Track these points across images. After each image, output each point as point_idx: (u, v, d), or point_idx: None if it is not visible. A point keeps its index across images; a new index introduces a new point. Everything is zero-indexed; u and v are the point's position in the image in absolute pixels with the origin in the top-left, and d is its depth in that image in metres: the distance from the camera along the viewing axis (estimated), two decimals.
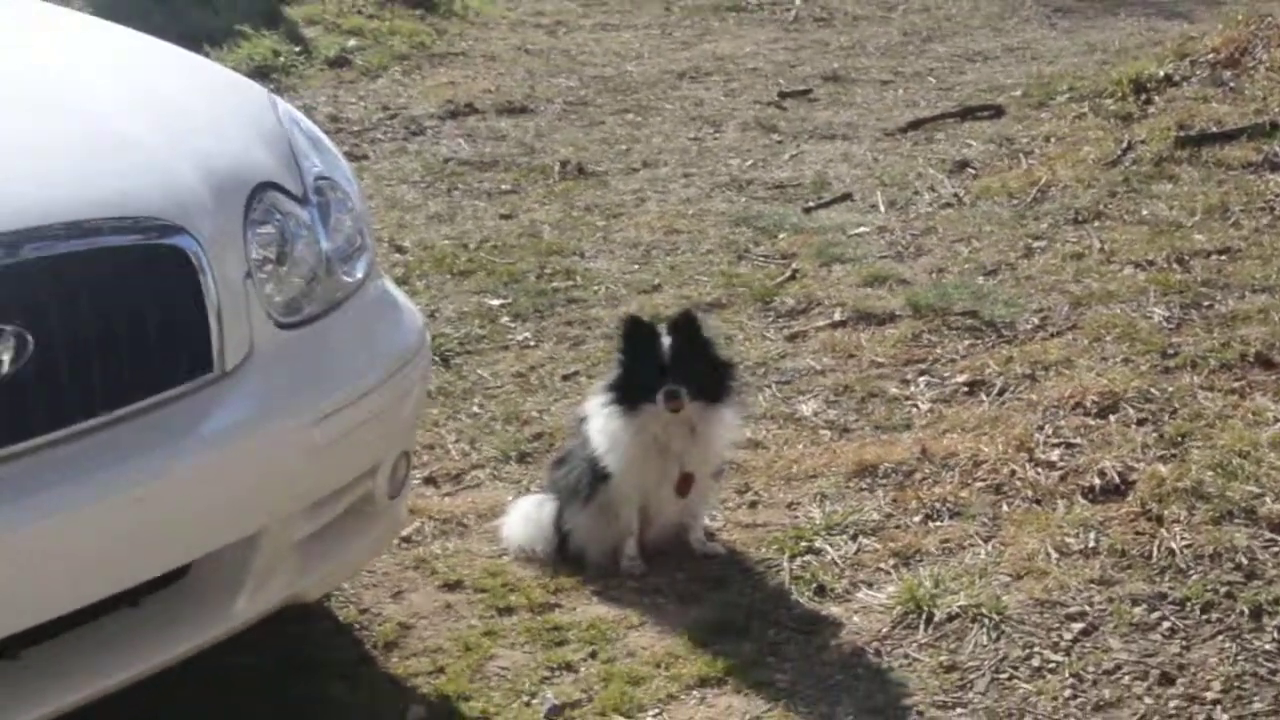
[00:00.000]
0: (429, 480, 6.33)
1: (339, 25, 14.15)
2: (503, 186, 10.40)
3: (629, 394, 5.45)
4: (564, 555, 5.69)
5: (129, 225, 3.92)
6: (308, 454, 4.13)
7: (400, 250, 9.02)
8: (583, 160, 10.88)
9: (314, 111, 11.30)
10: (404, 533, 5.70)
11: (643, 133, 11.70)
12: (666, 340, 5.44)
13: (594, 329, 7.85)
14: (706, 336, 5.59)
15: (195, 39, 6.21)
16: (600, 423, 5.54)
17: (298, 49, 13.42)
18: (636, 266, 8.76)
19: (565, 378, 7.30)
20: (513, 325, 7.96)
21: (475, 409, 7.00)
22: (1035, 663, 4.89)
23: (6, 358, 3.57)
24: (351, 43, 13.72)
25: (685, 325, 5.51)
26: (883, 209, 9.62)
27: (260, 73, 12.11)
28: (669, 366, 5.40)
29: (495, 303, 8.24)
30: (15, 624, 3.63)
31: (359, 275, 4.54)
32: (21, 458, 3.59)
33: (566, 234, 9.35)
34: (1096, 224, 8.98)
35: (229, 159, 4.29)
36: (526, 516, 5.77)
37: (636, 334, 5.52)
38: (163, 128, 4.30)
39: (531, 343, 7.74)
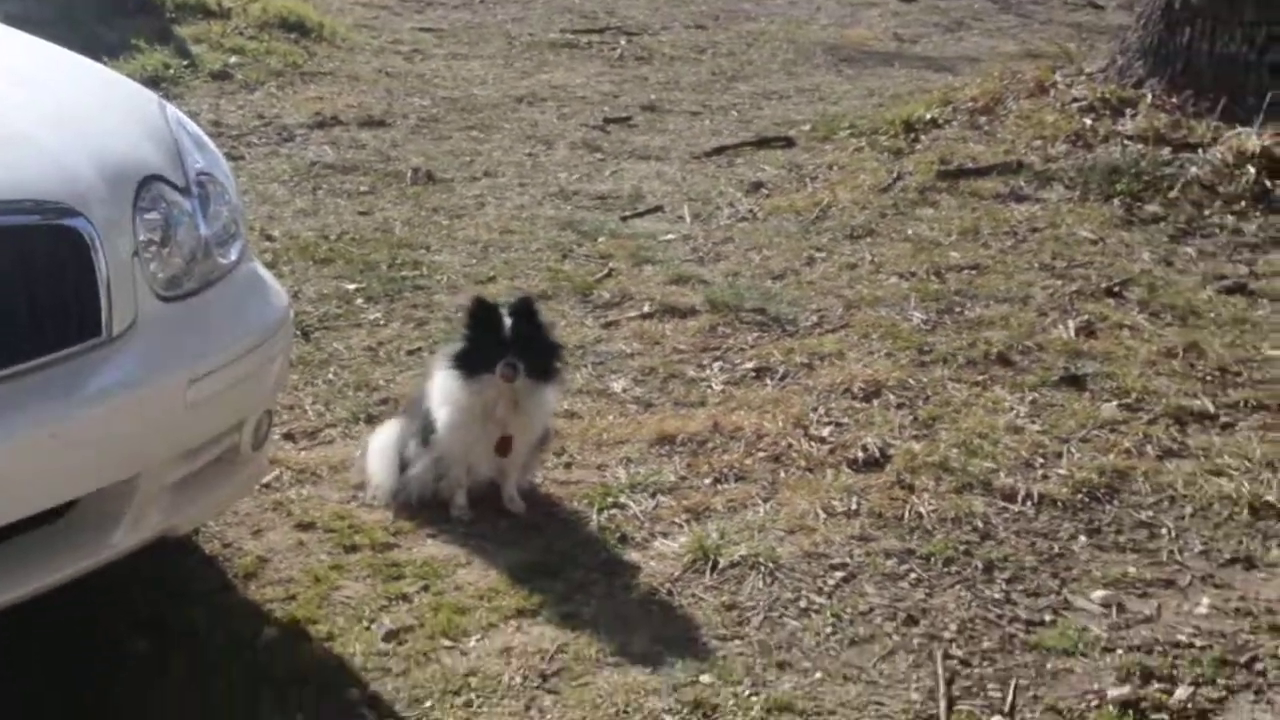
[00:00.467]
0: (288, 436, 6.28)
1: (223, 44, 13.93)
2: (361, 188, 10.30)
3: (470, 364, 5.44)
4: (404, 500, 5.69)
5: (30, 207, 3.90)
6: (182, 409, 4.12)
7: (269, 239, 8.93)
8: (432, 168, 10.80)
9: (198, 117, 11.12)
10: (264, 480, 5.65)
11: (485, 147, 11.64)
12: (508, 320, 5.46)
13: (436, 312, 7.83)
14: (541, 320, 5.61)
15: (95, 51, 6.12)
16: (439, 387, 5.54)
17: (185, 63, 13.20)
18: (475, 260, 8.74)
19: (410, 353, 7.27)
20: (365, 306, 7.91)
21: (330, 376, 6.96)
22: (802, 604, 4.98)
23: None
24: (233, 59, 13.52)
25: (524, 309, 5.53)
26: (688, 220, 9.66)
27: (152, 82, 11.88)
28: (508, 342, 5.41)
29: (351, 287, 8.18)
30: None
31: (233, 258, 4.53)
32: None
33: (415, 230, 9.30)
34: (869, 240, 9.09)
35: (121, 154, 4.26)
36: (380, 460, 5.77)
37: (481, 313, 5.51)
38: (62, 124, 4.27)
39: (381, 322, 7.69)
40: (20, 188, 3.89)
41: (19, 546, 3.92)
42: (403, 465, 5.69)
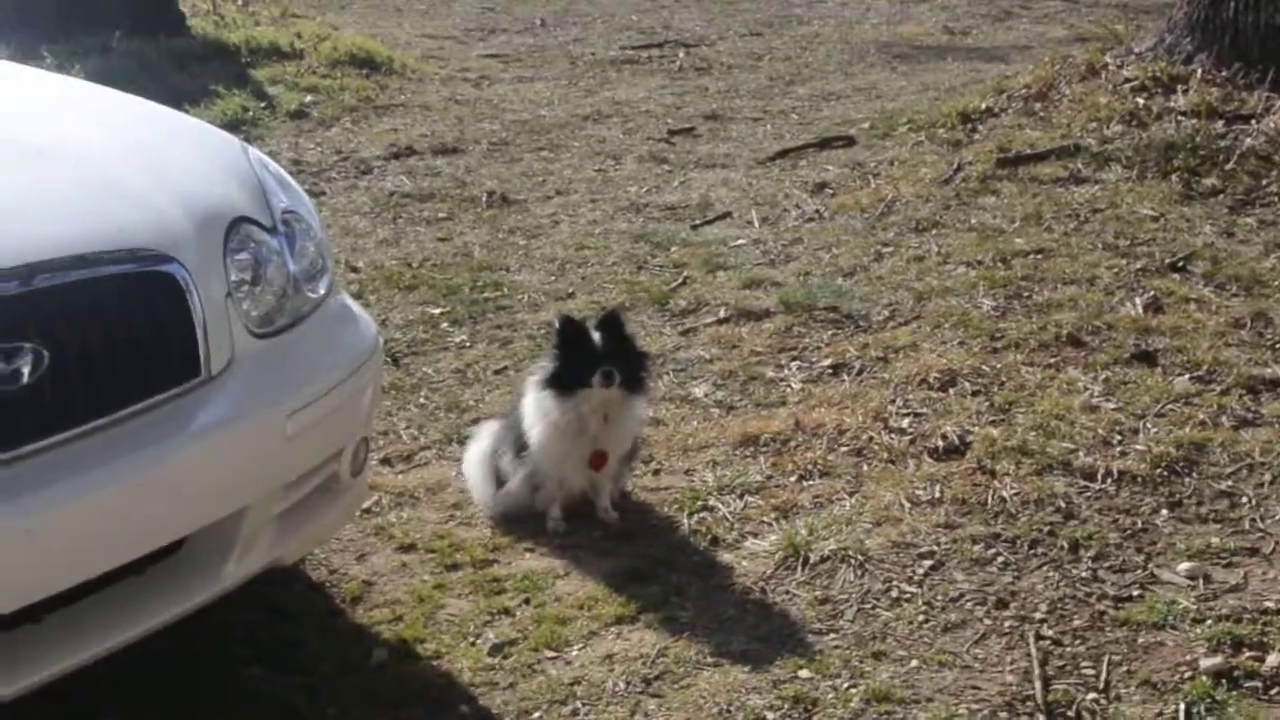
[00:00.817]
0: (385, 461, 6.30)
1: (298, 84, 14.01)
2: (439, 214, 10.33)
3: (564, 381, 5.43)
4: (500, 513, 5.72)
5: (125, 256, 3.91)
6: (283, 442, 4.13)
7: (355, 270, 8.97)
8: (506, 190, 10.82)
9: (278, 156, 11.20)
10: (365, 505, 5.68)
11: (555, 166, 11.65)
12: (597, 334, 5.46)
13: (519, 330, 7.84)
14: (628, 332, 5.61)
15: (176, 98, 6.17)
16: (531, 406, 5.54)
17: (263, 104, 13.28)
18: (553, 278, 8.74)
19: (496, 372, 7.28)
20: (451, 330, 7.93)
21: (422, 400, 6.98)
22: (894, 594, 4.94)
23: (26, 370, 3.57)
24: (309, 98, 13.59)
25: (612, 321, 5.54)
26: (757, 224, 9.63)
27: (231, 125, 11.98)
28: (601, 353, 5.41)
29: (436, 311, 8.20)
30: (38, 593, 3.62)
31: (321, 292, 4.54)
32: (42, 453, 3.58)
33: (494, 252, 9.31)
34: (934, 232, 9.02)
35: (209, 198, 4.27)
36: (480, 476, 5.78)
37: (570, 330, 5.50)
38: (151, 172, 4.29)
39: (467, 344, 7.71)
40: (116, 237, 3.91)
41: (136, 585, 3.94)
42: (499, 480, 5.69)
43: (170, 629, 4.06)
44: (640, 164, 11.57)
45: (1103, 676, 4.39)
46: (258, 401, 4.09)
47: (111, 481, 3.68)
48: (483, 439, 5.88)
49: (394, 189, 10.97)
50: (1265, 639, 4.53)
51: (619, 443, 5.60)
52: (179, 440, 3.86)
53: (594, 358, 5.41)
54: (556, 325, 5.58)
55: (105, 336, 3.77)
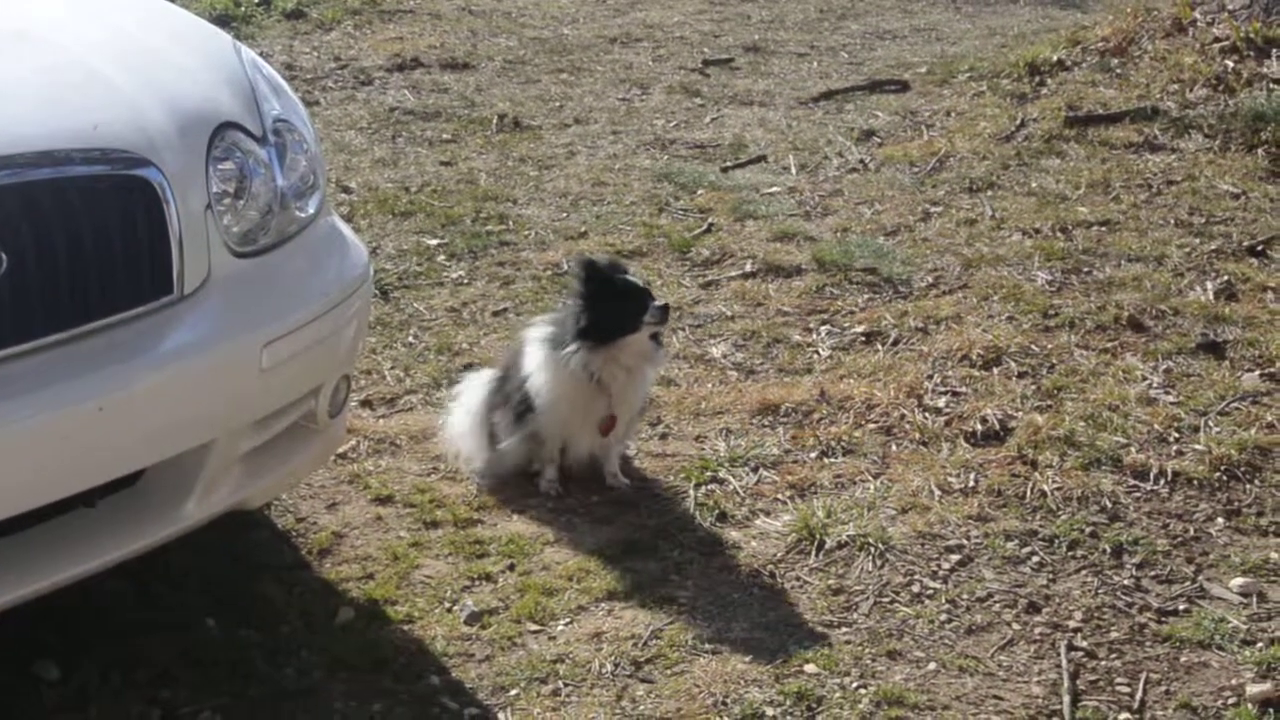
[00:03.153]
0: (365, 403, 6.35)
1: None
2: (443, 136, 10.36)
3: (604, 329, 5.43)
4: (492, 472, 5.74)
5: (98, 156, 3.91)
6: (257, 373, 4.13)
7: (346, 190, 9.00)
8: (519, 115, 10.85)
9: (270, 59, 11.16)
10: (341, 450, 5.71)
11: (575, 92, 11.67)
12: (628, 275, 5.53)
13: (523, 270, 7.87)
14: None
15: None
16: (543, 364, 5.55)
17: (257, 1, 13.31)
18: (565, 214, 8.77)
19: (495, 314, 7.32)
20: (448, 264, 7.96)
21: (410, 339, 7.02)
22: (915, 589, 4.97)
23: None
24: None
25: (621, 267, 5.61)
26: (794, 171, 9.65)
27: (221, 21, 12.02)
28: (646, 291, 5.49)
29: (433, 242, 8.24)
30: None
31: (311, 211, 4.55)
32: None
33: (501, 182, 9.34)
34: (989, 193, 9.04)
35: (194, 99, 4.28)
36: (470, 433, 5.81)
37: (597, 274, 5.49)
38: (132, 67, 4.29)
39: (465, 280, 7.74)
40: (88, 135, 3.91)
41: (86, 519, 3.97)
42: (492, 438, 5.73)
43: (120, 569, 4.10)
44: (669, 95, 11.58)
45: (1138, 696, 4.42)
46: (233, 327, 4.10)
47: (66, 403, 3.70)
48: (473, 392, 5.91)
49: (395, 104, 10.99)
50: None
51: (633, 403, 5.64)
52: (143, 363, 3.87)
53: (640, 295, 5.45)
54: (580, 271, 5.54)
55: (70, 244, 3.77)
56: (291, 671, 4.51)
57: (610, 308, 5.42)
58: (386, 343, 6.94)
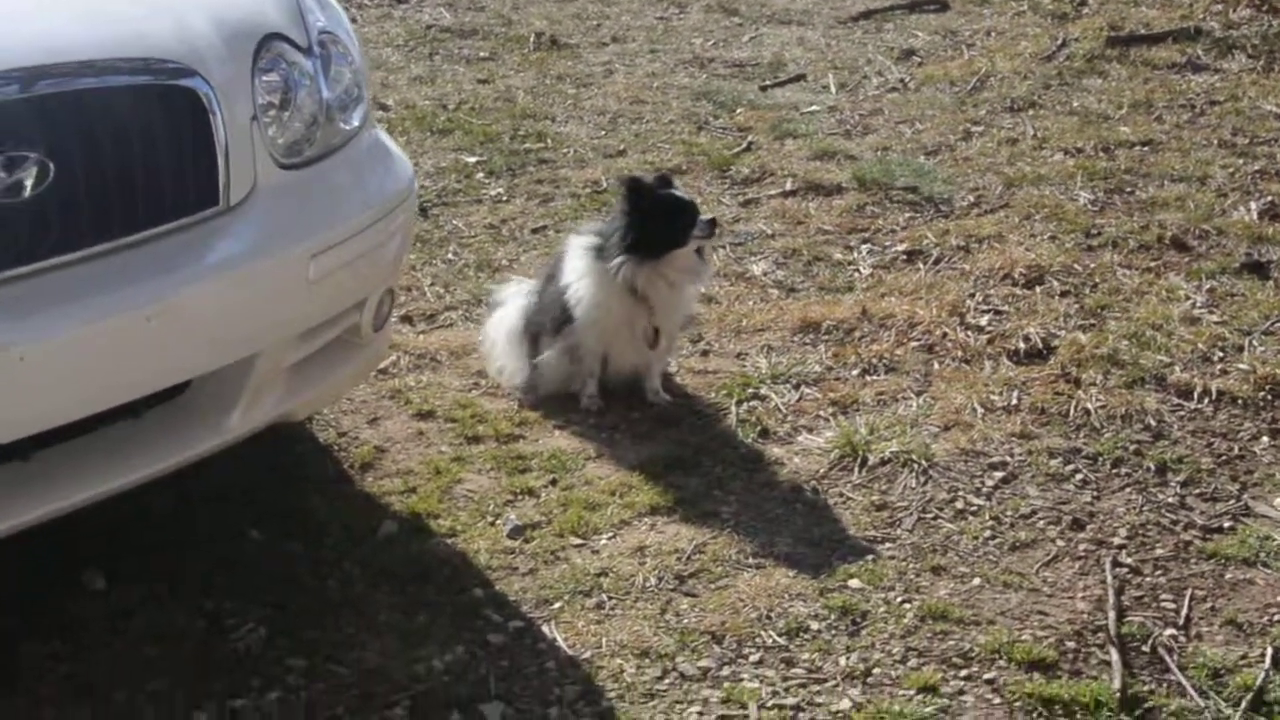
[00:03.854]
0: (405, 319, 6.35)
1: None
2: (481, 54, 10.33)
3: (654, 243, 5.43)
4: (532, 388, 5.74)
5: (141, 66, 3.88)
6: (303, 285, 4.12)
7: (384, 108, 8.98)
8: (556, 33, 10.81)
9: None
10: (381, 365, 5.72)
11: (612, 10, 11.62)
12: (674, 190, 5.52)
13: (562, 187, 7.85)
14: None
15: None
16: (586, 275, 5.54)
17: None
18: (603, 133, 8.75)
19: (534, 230, 7.31)
20: (487, 181, 7.95)
21: (450, 256, 7.01)
22: (959, 505, 4.96)
23: (29, 182, 3.56)
24: None
25: (669, 182, 5.59)
26: (833, 90, 9.60)
27: None
28: (693, 205, 5.50)
29: (471, 160, 8.22)
30: (28, 427, 3.65)
31: (355, 123, 4.52)
32: (42, 274, 3.59)
33: (539, 100, 9.31)
34: (1030, 113, 8.99)
35: (240, 9, 4.25)
36: (507, 346, 5.82)
37: (641, 191, 5.48)
38: None
39: (504, 198, 7.73)
40: (132, 44, 3.89)
41: (132, 429, 3.98)
42: (532, 353, 5.72)
43: (164, 481, 4.11)
44: (707, 14, 11.53)
45: (1183, 612, 4.40)
46: (279, 238, 4.09)
47: (113, 313, 3.69)
48: (512, 305, 5.90)
49: (432, 21, 10.96)
50: None
51: (675, 317, 5.63)
52: (190, 274, 3.86)
53: (689, 209, 5.45)
54: (626, 188, 5.53)
55: (116, 154, 3.76)
56: (335, 583, 4.52)
57: (658, 222, 5.41)
58: (426, 259, 6.93)
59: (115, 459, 3.94)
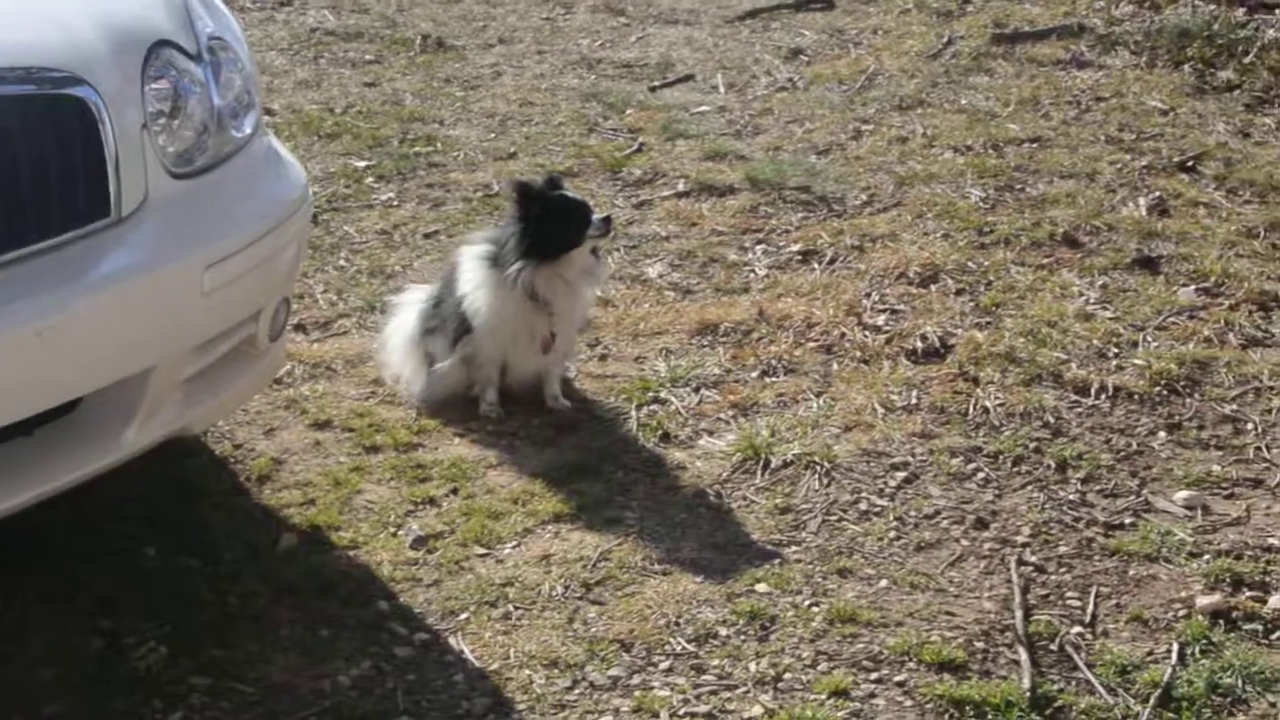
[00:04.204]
0: (299, 327, 6.26)
1: None
2: (366, 57, 10.24)
3: (549, 245, 5.40)
4: (430, 395, 5.67)
5: (25, 75, 3.78)
6: (198, 297, 4.05)
7: (270, 113, 8.86)
8: (442, 35, 10.73)
9: None
10: (277, 375, 5.63)
11: (498, 11, 11.55)
12: (565, 191, 5.49)
13: (453, 191, 7.79)
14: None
15: None
16: (480, 283, 5.49)
17: None
18: (493, 135, 8.69)
19: (426, 235, 7.24)
20: (377, 186, 7.87)
21: (342, 262, 6.94)
22: (863, 507, 4.95)
23: None
24: None
25: (559, 184, 5.55)
26: (723, 90, 9.59)
27: None
28: (586, 204, 5.50)
29: (360, 164, 8.14)
30: None
31: (247, 131, 4.45)
32: None
33: (427, 103, 9.24)
34: (919, 111, 9.03)
35: (127, 16, 4.16)
36: (405, 356, 5.75)
37: (531, 194, 5.45)
38: None
39: (395, 202, 7.66)
40: (15, 54, 3.79)
41: (23, 447, 3.88)
42: (429, 361, 5.66)
43: (58, 499, 4.01)
44: (594, 14, 11.49)
45: (1089, 609, 4.41)
46: (172, 250, 4.00)
47: (2, 329, 3.58)
48: (407, 312, 5.84)
49: (316, 24, 10.86)
50: (1267, 578, 4.57)
51: (573, 320, 5.60)
52: (80, 288, 3.77)
53: (581, 209, 5.44)
54: (516, 193, 5.50)
55: (3, 166, 3.66)
56: (235, 599, 4.44)
57: (552, 224, 5.39)
58: (318, 266, 6.85)
59: (7, 479, 3.84)
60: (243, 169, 4.40)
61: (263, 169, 4.53)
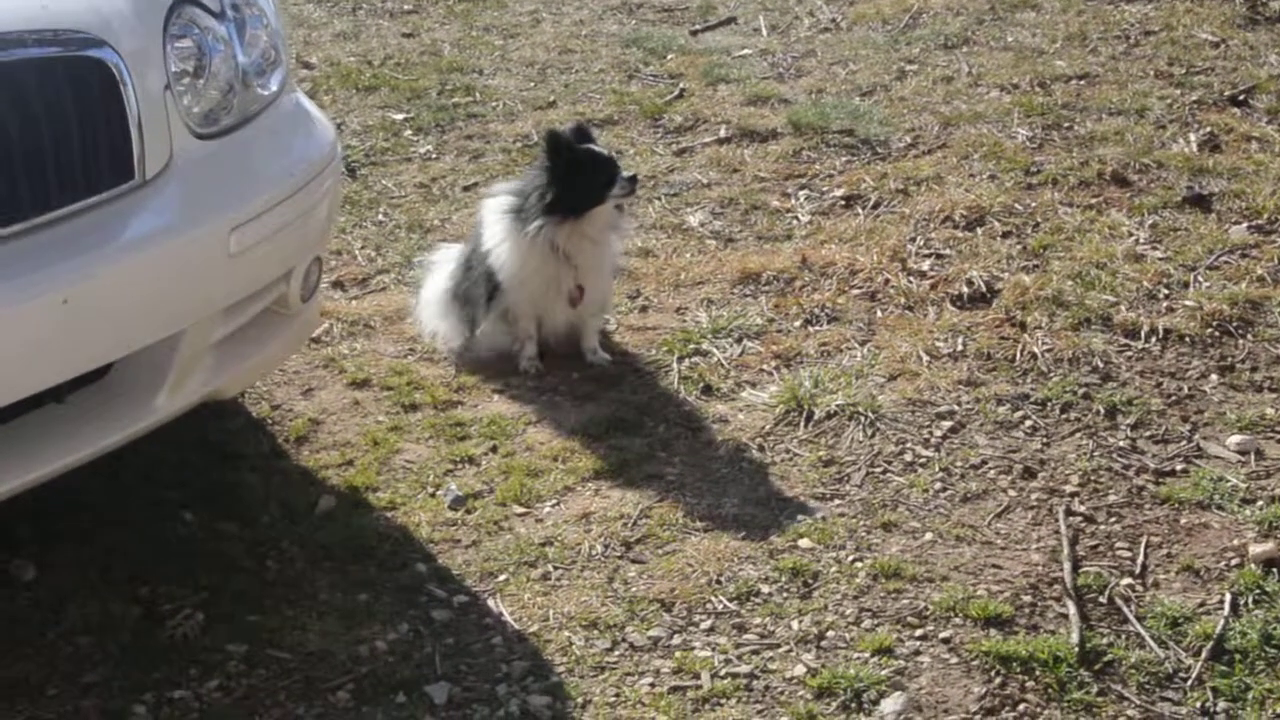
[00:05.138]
0: (337, 284, 6.23)
1: None
2: (405, 7, 10.18)
3: (574, 201, 5.33)
4: (470, 352, 5.65)
5: (50, 37, 3.74)
6: (225, 259, 4.01)
7: (307, 66, 8.83)
8: None
9: None
10: (314, 334, 5.60)
11: None
12: (593, 146, 5.41)
13: (493, 143, 7.73)
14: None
15: None
16: (507, 238, 5.44)
17: None
18: (533, 84, 8.62)
19: (466, 188, 7.19)
20: (415, 139, 7.82)
21: (380, 217, 6.89)
22: (907, 458, 4.89)
23: None
24: None
25: (588, 134, 5.47)
26: (765, 32, 9.50)
27: None
28: (613, 160, 5.41)
29: (398, 117, 8.09)
30: None
31: (274, 88, 4.41)
32: None
33: (466, 52, 9.18)
34: (964, 49, 8.91)
35: None
36: (443, 314, 5.71)
37: (562, 145, 5.36)
38: None
39: (433, 155, 7.60)
40: (37, 15, 3.74)
41: (56, 414, 3.86)
42: (466, 316, 5.61)
43: (92, 465, 3.99)
44: None
45: (1139, 560, 4.35)
46: (198, 212, 3.97)
47: (28, 296, 3.56)
48: (442, 269, 5.79)
49: None
50: None
51: (601, 273, 5.54)
52: (106, 252, 3.74)
53: (608, 167, 5.36)
54: (546, 143, 5.42)
55: (25, 130, 3.62)
56: (273, 564, 4.42)
57: (577, 180, 5.32)
58: (356, 221, 6.81)
59: (40, 447, 3.83)
60: (270, 127, 4.36)
61: (290, 127, 4.49)
